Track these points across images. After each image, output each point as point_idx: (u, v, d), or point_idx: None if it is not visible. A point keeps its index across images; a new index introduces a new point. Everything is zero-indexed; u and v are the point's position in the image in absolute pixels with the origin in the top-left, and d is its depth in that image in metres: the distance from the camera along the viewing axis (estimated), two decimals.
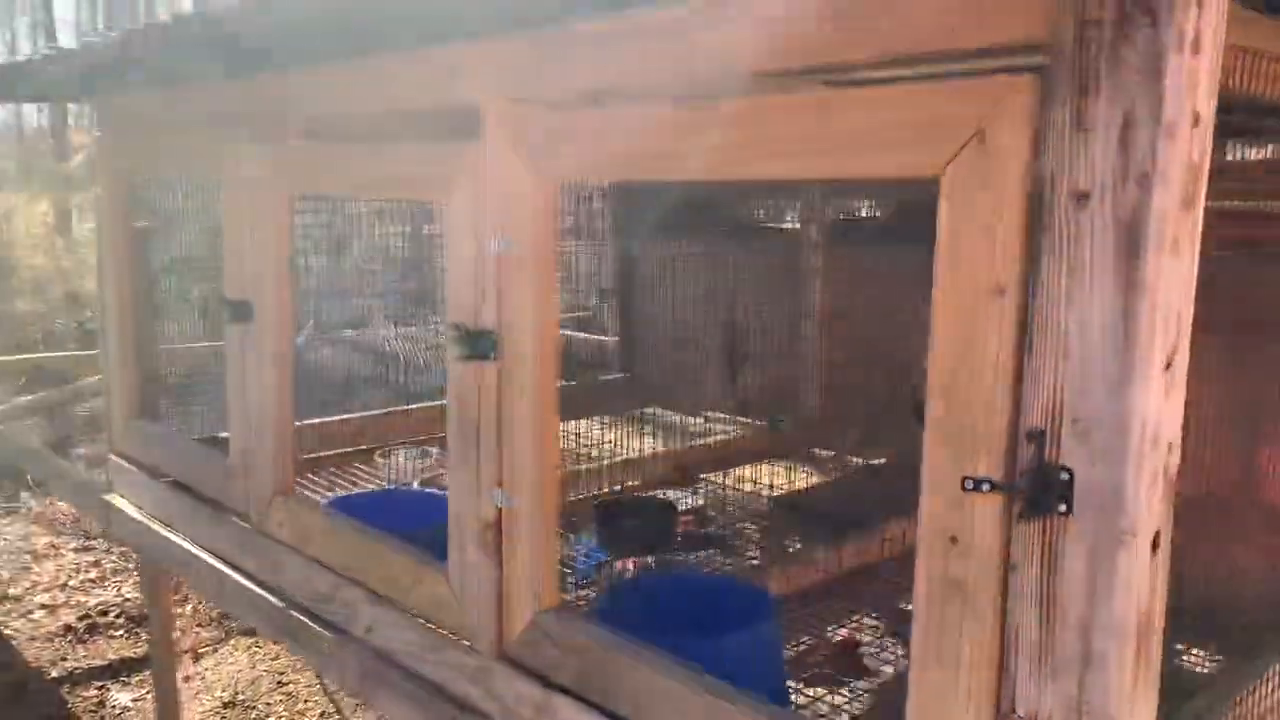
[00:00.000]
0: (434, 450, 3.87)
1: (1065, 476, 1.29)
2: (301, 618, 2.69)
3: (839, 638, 2.61)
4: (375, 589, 2.46)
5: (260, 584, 2.87)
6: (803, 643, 2.62)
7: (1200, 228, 1.26)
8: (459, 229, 2.11)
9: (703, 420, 4.63)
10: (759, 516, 3.44)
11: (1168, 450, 1.27)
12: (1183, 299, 1.25)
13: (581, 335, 5.42)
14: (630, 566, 2.77)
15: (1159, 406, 1.24)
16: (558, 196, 2.03)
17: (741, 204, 4.91)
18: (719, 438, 4.25)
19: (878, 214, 4.62)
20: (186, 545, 3.20)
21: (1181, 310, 1.26)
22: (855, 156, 1.50)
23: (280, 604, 2.77)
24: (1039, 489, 1.30)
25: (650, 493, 3.45)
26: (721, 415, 4.64)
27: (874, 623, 2.78)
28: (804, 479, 3.87)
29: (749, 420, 4.50)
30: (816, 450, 4.23)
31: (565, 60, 1.89)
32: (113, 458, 3.71)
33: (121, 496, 3.66)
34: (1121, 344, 1.23)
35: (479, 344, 2.05)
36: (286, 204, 2.69)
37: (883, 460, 4.04)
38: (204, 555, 3.11)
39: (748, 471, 3.85)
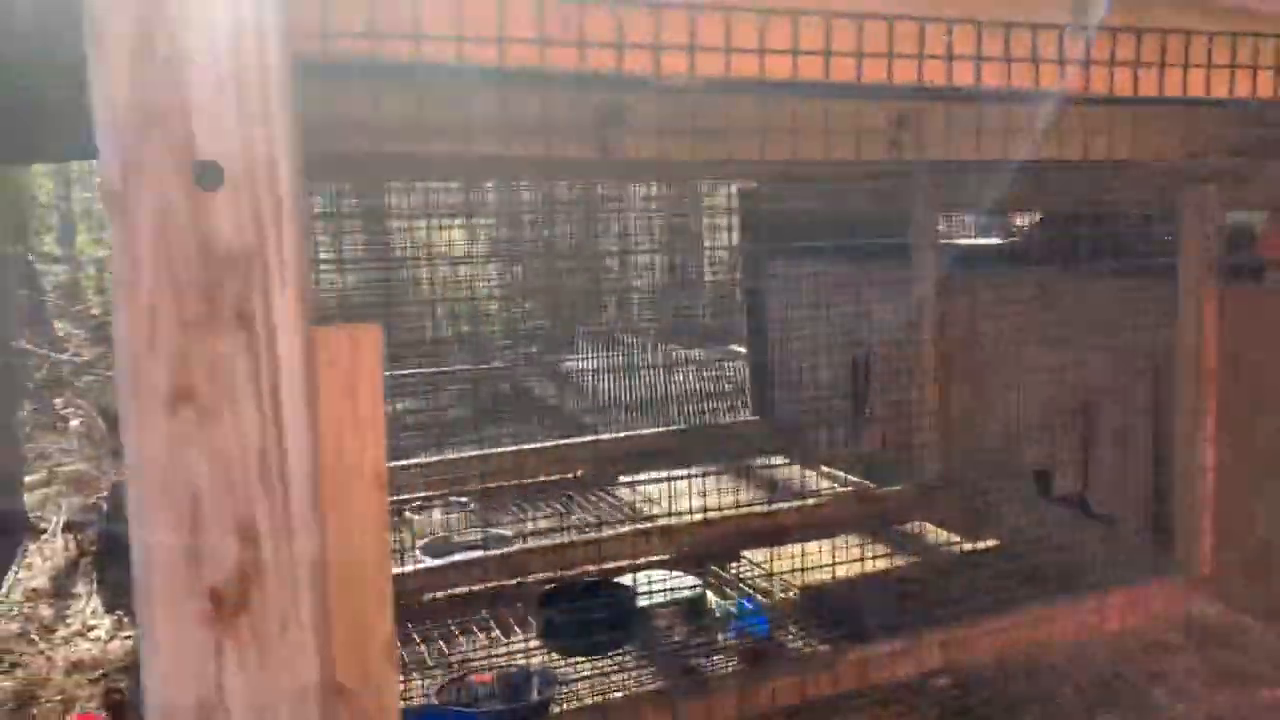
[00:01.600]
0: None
1: None
2: None
3: None
4: None
5: None
6: None
7: None
8: None
9: (814, 476, 3.92)
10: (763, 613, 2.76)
11: None
12: None
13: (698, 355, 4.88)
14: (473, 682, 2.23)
15: None
16: None
17: (885, 220, 4.13)
18: (806, 503, 3.53)
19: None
20: None
21: None
22: None
23: None
24: None
25: (623, 577, 2.86)
26: (838, 471, 3.90)
27: None
28: (886, 560, 3.09)
29: (859, 480, 3.74)
30: (915, 526, 3.41)
31: None
32: None
33: None
34: None
35: None
36: None
37: (990, 544, 3.16)
38: None
39: (814, 546, 3.14)
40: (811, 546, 3.09)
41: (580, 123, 1.84)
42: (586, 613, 2.48)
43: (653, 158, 2.01)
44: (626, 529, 3.22)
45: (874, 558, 3.02)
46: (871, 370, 3.88)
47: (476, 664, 2.37)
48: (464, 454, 4.08)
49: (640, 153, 1.94)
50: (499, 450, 4.05)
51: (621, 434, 4.50)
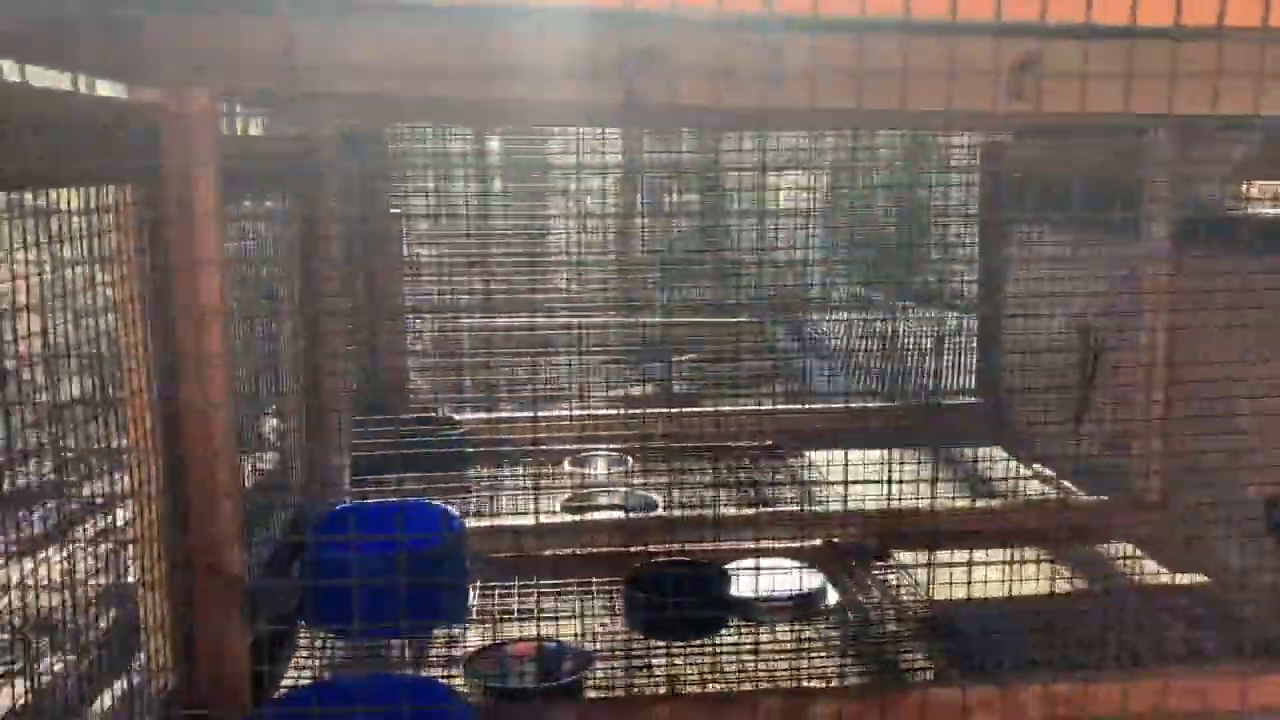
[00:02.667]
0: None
1: None
2: None
3: None
4: None
5: None
6: None
7: None
8: None
9: (1023, 472, 3.45)
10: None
11: None
12: None
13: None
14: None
15: None
16: None
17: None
18: (990, 504, 3.12)
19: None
20: None
21: None
22: None
23: None
24: None
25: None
26: (1050, 470, 3.41)
27: None
28: (1061, 581, 2.66)
29: (1066, 484, 3.23)
30: (1114, 547, 2.88)
31: None
32: None
33: None
34: None
35: None
36: None
37: (1191, 579, 2.60)
38: None
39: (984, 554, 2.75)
40: (980, 554, 2.72)
41: None
42: (670, 595, 2.34)
43: None
44: (764, 510, 3.01)
45: (1039, 578, 2.59)
46: (1100, 362, 3.34)
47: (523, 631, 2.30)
48: (652, 410, 3.99)
49: None
50: (693, 411, 3.92)
51: (828, 405, 4.21)
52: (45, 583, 1.46)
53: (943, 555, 2.75)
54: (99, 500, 1.63)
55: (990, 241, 4.04)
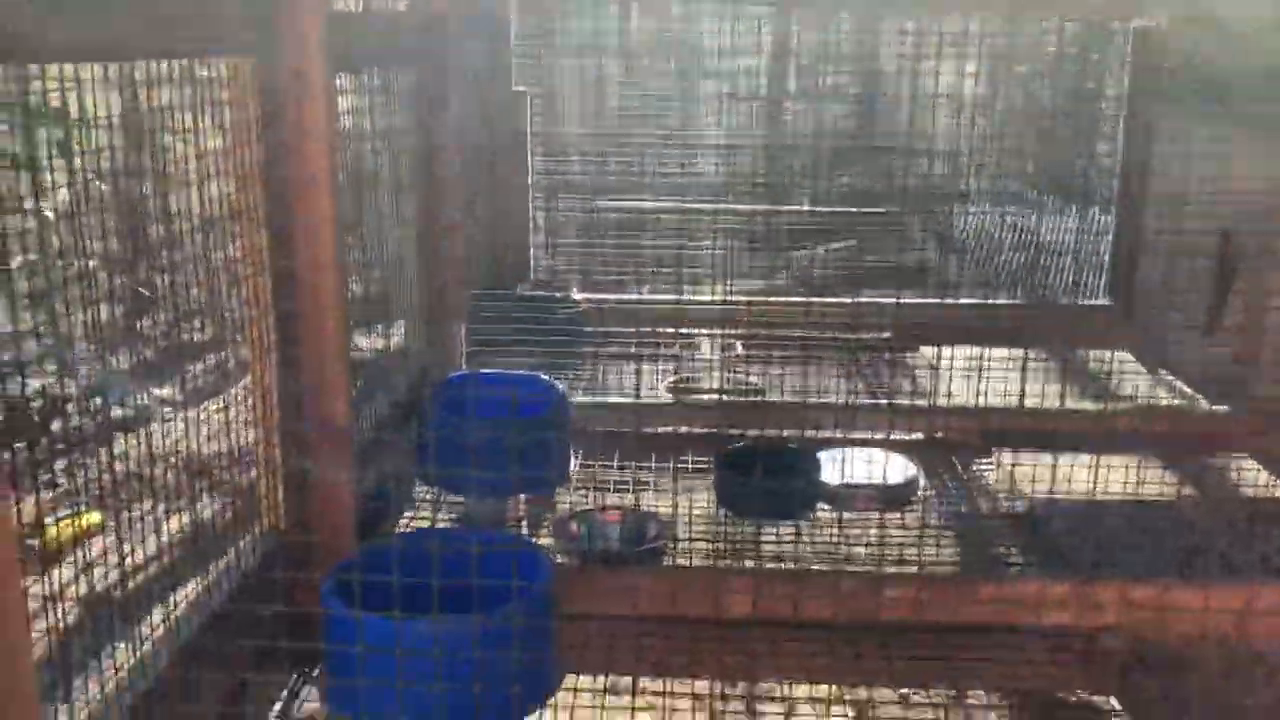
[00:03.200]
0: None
1: None
2: None
3: None
4: None
5: None
6: None
7: None
8: None
9: (1150, 382, 3.33)
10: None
11: None
12: None
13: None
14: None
15: None
16: None
17: None
18: (1103, 409, 3.03)
19: None
20: None
21: None
22: None
23: None
24: None
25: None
26: (1177, 379, 3.28)
27: None
28: (1170, 489, 2.59)
29: (1194, 392, 3.12)
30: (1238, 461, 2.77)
31: None
32: None
33: None
34: None
35: None
36: None
37: None
38: None
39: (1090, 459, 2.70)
40: (1087, 459, 2.66)
41: None
42: (761, 476, 2.40)
43: None
44: (865, 401, 3.01)
45: (1150, 484, 2.53)
46: (1239, 268, 3.16)
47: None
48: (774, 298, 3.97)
49: None
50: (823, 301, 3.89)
51: (960, 301, 4.11)
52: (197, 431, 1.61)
53: (1059, 458, 2.73)
54: (224, 357, 1.77)
55: (1136, 136, 3.82)
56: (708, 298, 3.80)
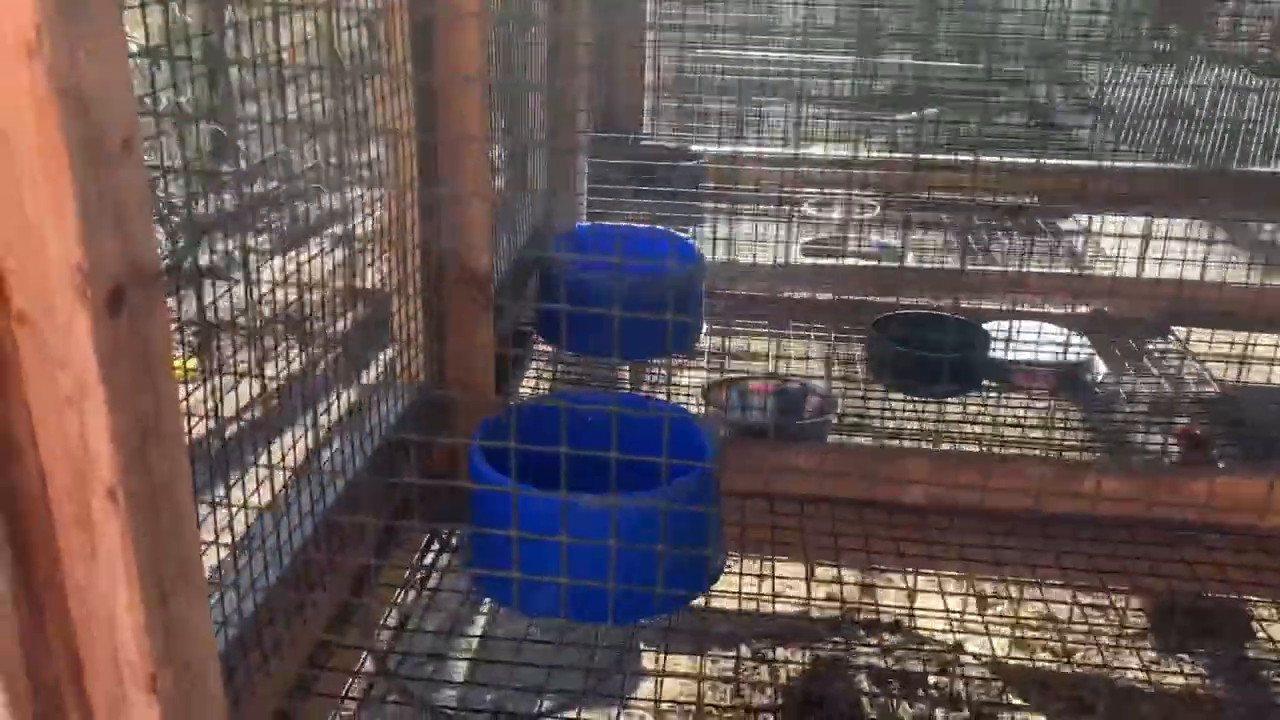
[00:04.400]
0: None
1: None
2: None
3: None
4: None
5: None
6: None
7: None
8: None
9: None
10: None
11: None
12: None
13: None
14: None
15: None
16: None
17: None
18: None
19: None
20: None
21: None
22: None
23: None
24: None
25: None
26: None
27: None
28: None
29: None
30: None
31: None
32: None
33: None
34: None
35: None
36: None
37: None
38: None
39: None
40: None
41: None
42: (919, 347, 2.17)
43: None
44: (1026, 270, 2.72)
45: None
46: None
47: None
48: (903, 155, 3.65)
49: None
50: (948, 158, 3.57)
51: (1102, 164, 3.74)
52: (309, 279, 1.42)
53: (1231, 336, 2.45)
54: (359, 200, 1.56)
55: None
56: (834, 154, 3.50)
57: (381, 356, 1.61)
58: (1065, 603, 1.60)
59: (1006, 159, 3.64)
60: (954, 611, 1.61)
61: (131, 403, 0.66)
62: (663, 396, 2.20)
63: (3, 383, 0.65)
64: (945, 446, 1.97)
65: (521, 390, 2.28)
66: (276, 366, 1.28)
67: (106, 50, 0.61)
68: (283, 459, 1.23)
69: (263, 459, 1.17)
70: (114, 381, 0.64)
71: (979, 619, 1.69)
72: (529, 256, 2.36)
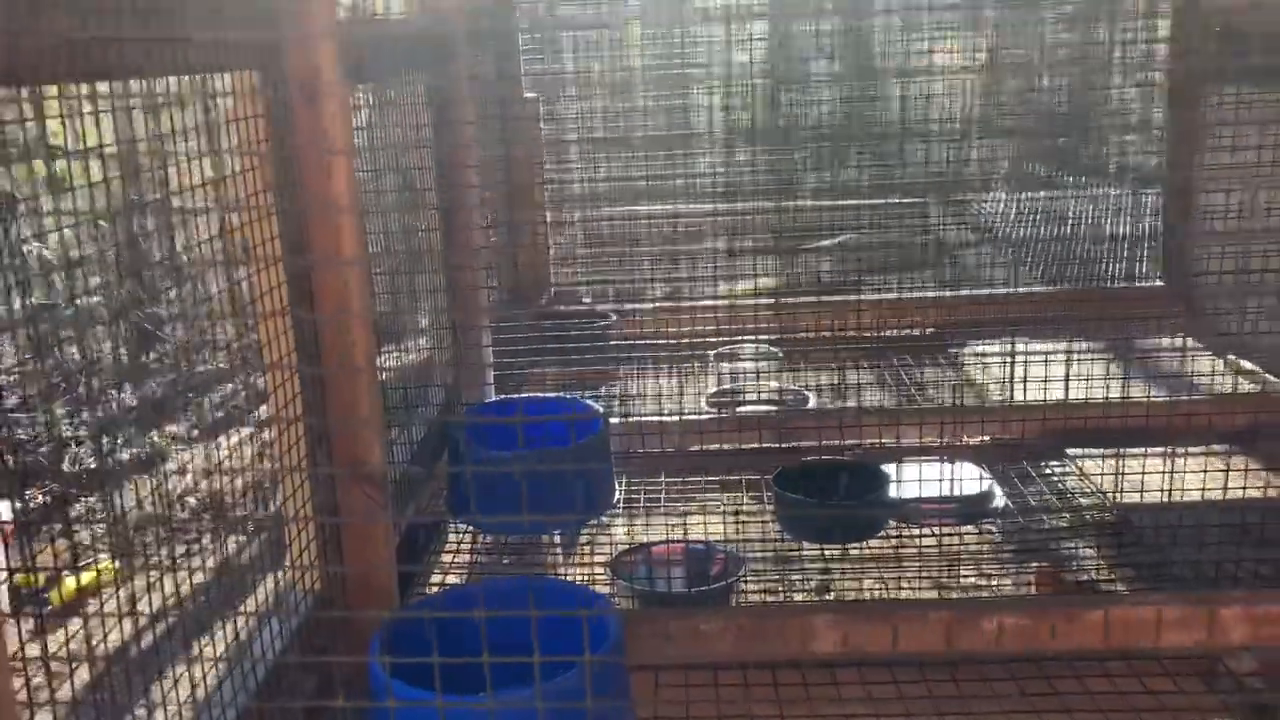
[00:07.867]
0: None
1: None
2: None
3: None
4: None
5: None
6: None
7: None
8: None
9: (1219, 365, 3.13)
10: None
11: None
12: None
13: None
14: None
15: None
16: None
17: None
18: (1177, 399, 2.83)
19: None
20: None
21: None
22: None
23: None
24: None
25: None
26: (1252, 365, 3.08)
27: None
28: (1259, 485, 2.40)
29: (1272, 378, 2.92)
30: None
31: None
32: None
33: None
34: None
35: None
36: None
37: None
38: None
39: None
40: (1168, 454, 2.47)
41: None
42: (823, 495, 2.22)
43: None
44: (924, 406, 2.82)
45: (1234, 480, 2.33)
46: None
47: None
48: (804, 299, 3.77)
49: None
50: (841, 298, 3.70)
51: (994, 292, 3.92)
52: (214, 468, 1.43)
53: (1125, 455, 2.53)
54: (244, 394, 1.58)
55: (1181, 105, 3.63)
56: (735, 303, 3.62)
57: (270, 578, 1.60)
58: None
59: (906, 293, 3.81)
60: None
61: None
62: (574, 570, 2.21)
63: None
64: (851, 596, 2.00)
65: (444, 558, 2.27)
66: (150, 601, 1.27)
67: None
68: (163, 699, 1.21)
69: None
70: None
71: None
72: (434, 437, 2.38)
